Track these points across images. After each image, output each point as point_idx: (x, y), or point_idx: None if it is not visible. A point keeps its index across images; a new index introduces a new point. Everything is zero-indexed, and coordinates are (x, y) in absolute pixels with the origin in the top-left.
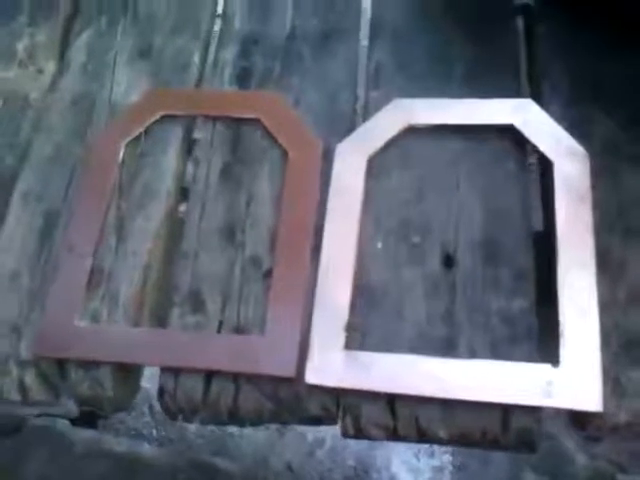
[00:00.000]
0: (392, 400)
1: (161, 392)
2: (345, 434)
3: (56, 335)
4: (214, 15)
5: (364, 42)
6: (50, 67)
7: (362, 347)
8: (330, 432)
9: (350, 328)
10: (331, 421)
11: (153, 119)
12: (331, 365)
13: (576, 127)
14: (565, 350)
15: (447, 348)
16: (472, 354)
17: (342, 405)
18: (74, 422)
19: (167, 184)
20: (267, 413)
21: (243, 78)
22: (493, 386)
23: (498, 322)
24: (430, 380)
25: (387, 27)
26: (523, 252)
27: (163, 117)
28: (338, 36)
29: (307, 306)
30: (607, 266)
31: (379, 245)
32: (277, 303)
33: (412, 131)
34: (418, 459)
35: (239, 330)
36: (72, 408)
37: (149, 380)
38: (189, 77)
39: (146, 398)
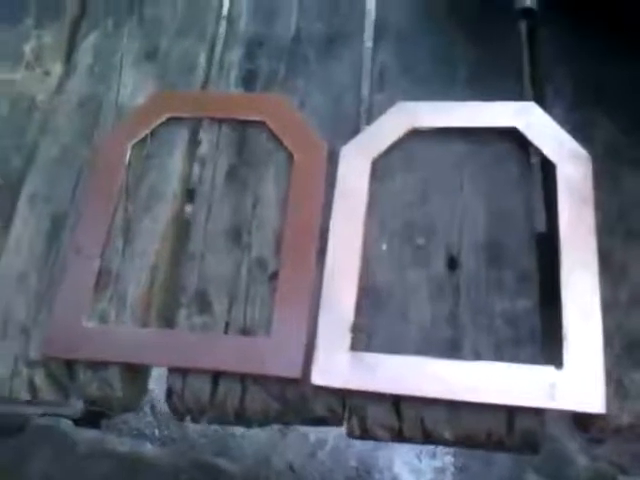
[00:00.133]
0: (397, 401)
1: (169, 393)
2: (351, 435)
3: (64, 336)
4: (220, 17)
5: (368, 44)
6: (57, 69)
7: (367, 348)
8: (332, 433)
9: (355, 329)
10: (337, 422)
11: (159, 121)
12: (337, 366)
13: (579, 130)
14: (568, 353)
15: (452, 350)
16: (476, 356)
17: (348, 406)
18: (77, 422)
19: (173, 186)
20: (273, 414)
21: (249, 80)
22: (497, 388)
23: (502, 324)
24: (435, 381)
25: (391, 29)
26: (526, 254)
27: (169, 119)
28: (343, 39)
29: (313, 307)
30: (609, 268)
31: (384, 247)
32: (283, 304)
33: (416, 134)
34: (420, 460)
35: (245, 331)
36: (77, 408)
37: (153, 381)
38: (195, 79)
39: (149, 398)
